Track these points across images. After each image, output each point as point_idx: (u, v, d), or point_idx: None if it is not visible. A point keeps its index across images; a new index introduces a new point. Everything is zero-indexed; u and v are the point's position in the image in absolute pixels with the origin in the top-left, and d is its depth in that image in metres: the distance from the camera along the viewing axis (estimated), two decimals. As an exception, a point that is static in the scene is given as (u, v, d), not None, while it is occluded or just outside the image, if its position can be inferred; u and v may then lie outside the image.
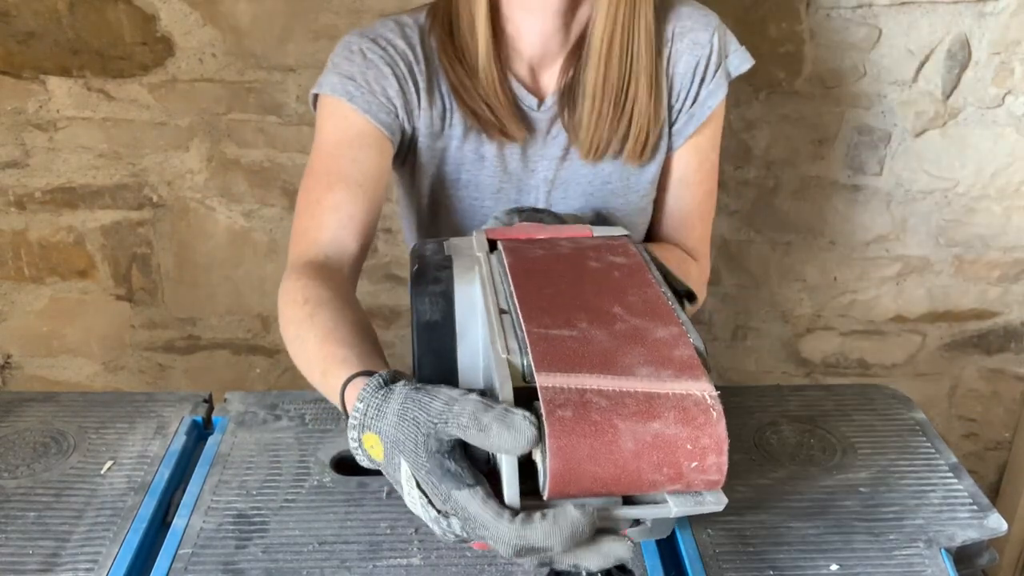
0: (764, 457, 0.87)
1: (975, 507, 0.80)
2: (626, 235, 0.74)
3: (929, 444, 0.89)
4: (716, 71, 1.01)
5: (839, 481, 0.84)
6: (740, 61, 1.03)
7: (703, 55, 1.00)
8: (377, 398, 0.60)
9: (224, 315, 1.60)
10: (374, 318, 1.61)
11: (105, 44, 1.37)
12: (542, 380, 0.54)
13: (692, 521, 0.77)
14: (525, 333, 0.59)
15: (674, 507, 0.54)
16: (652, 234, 1.13)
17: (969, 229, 1.56)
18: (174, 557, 0.73)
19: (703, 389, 0.54)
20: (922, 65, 1.42)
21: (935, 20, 1.39)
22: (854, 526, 0.78)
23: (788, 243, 1.57)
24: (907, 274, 1.60)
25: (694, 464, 0.52)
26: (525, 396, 0.54)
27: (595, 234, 0.74)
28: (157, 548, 0.75)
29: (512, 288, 0.64)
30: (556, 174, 1.03)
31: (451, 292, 0.68)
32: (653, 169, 1.05)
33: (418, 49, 0.98)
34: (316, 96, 0.98)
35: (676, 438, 0.52)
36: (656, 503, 0.55)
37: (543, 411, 0.52)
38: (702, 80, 1.01)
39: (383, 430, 0.58)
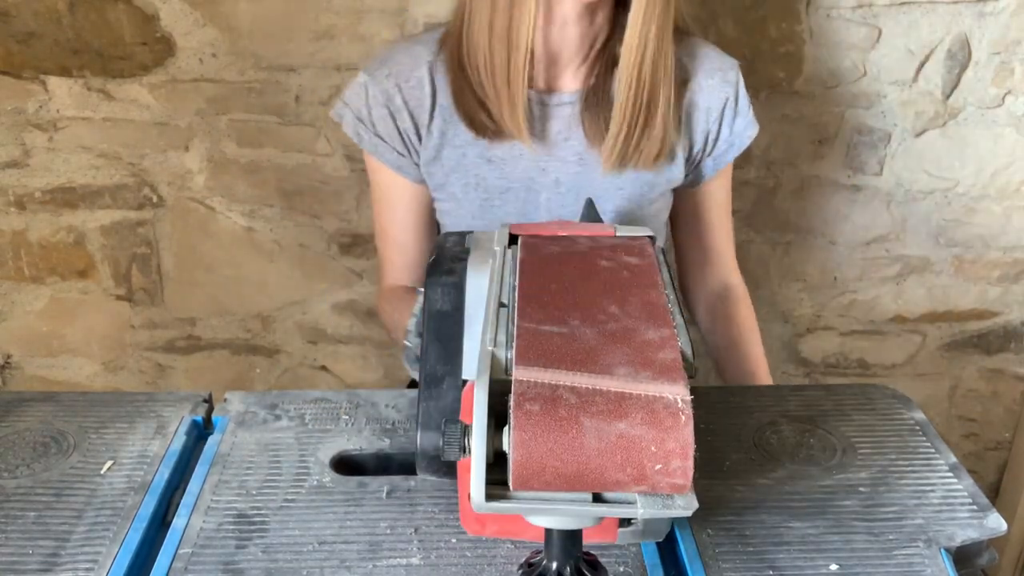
0: (764, 457, 0.87)
1: (975, 507, 0.80)
2: (649, 236, 0.75)
3: (929, 444, 0.89)
4: (748, 105, 1.09)
5: (839, 481, 0.84)
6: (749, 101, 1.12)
7: (731, 93, 1.07)
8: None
9: (224, 315, 1.60)
10: (374, 318, 1.61)
11: (105, 44, 1.37)
12: (519, 374, 0.55)
13: (692, 521, 0.77)
14: (515, 327, 0.59)
15: (642, 508, 0.54)
16: (700, 260, 1.22)
17: (969, 229, 1.56)
18: (174, 557, 0.73)
19: (676, 393, 0.54)
20: (922, 65, 1.42)
21: (935, 20, 1.39)
22: (854, 526, 0.78)
23: (788, 243, 1.57)
24: (907, 274, 1.60)
25: (658, 466, 0.52)
26: (504, 388, 0.55)
27: (618, 233, 0.75)
28: (157, 548, 0.75)
29: (517, 282, 0.65)
30: (568, 178, 1.05)
31: (463, 283, 0.69)
32: (665, 177, 1.08)
33: (422, 68, 1.03)
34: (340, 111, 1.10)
35: (641, 439, 0.52)
36: (625, 503, 0.55)
37: (512, 403, 0.53)
38: (735, 112, 1.08)
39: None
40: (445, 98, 1.03)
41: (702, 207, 1.17)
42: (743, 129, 1.10)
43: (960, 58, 1.42)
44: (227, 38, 1.37)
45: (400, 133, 1.05)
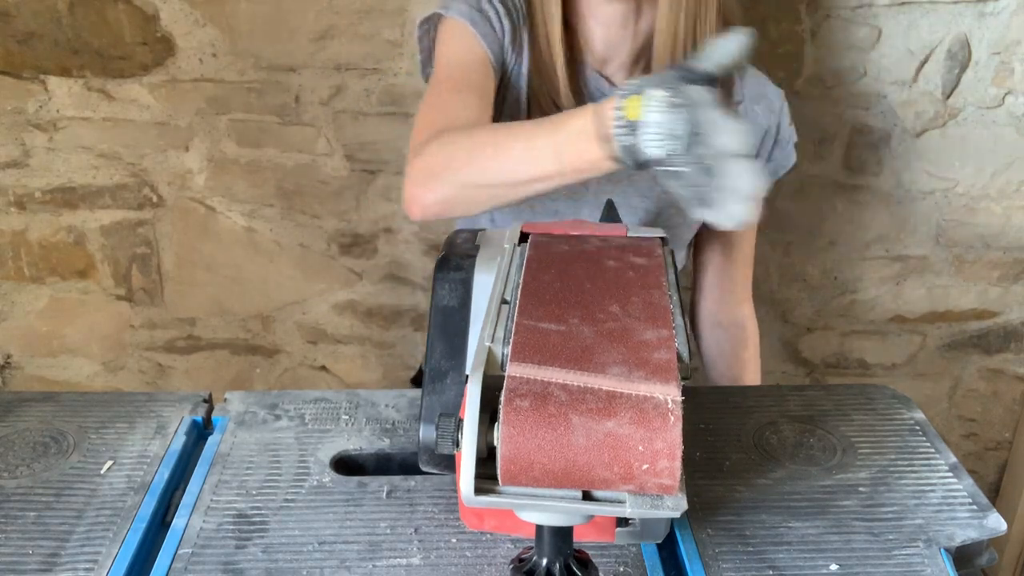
0: (764, 457, 0.87)
1: (975, 507, 0.81)
2: (661, 237, 0.75)
3: (929, 444, 0.89)
4: (790, 137, 1.10)
5: (839, 481, 0.84)
6: (792, 133, 1.12)
7: (775, 122, 1.09)
8: (650, 77, 0.71)
9: (224, 315, 1.60)
10: (374, 318, 1.61)
11: (105, 44, 1.37)
12: (512, 370, 0.55)
13: (692, 521, 0.78)
14: (514, 324, 0.59)
15: (630, 507, 0.54)
16: (714, 286, 1.23)
17: (969, 229, 1.56)
18: (174, 557, 0.73)
19: (667, 393, 0.54)
20: (922, 65, 1.42)
21: (935, 20, 1.39)
22: (854, 526, 0.78)
23: (788, 243, 1.57)
24: (907, 274, 1.60)
25: (645, 466, 0.52)
26: (500, 384, 0.55)
27: (630, 234, 0.75)
28: (157, 548, 0.75)
29: (521, 280, 0.65)
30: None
31: (470, 280, 0.70)
32: None
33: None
34: (435, 16, 1.04)
35: (628, 438, 0.52)
36: (614, 502, 0.55)
37: (502, 399, 0.53)
38: (775, 142, 1.10)
39: (648, 85, 0.70)
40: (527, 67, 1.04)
41: (726, 232, 1.18)
42: (781, 160, 1.11)
43: (960, 58, 1.42)
44: (227, 38, 1.37)
45: (508, 30, 1.04)
